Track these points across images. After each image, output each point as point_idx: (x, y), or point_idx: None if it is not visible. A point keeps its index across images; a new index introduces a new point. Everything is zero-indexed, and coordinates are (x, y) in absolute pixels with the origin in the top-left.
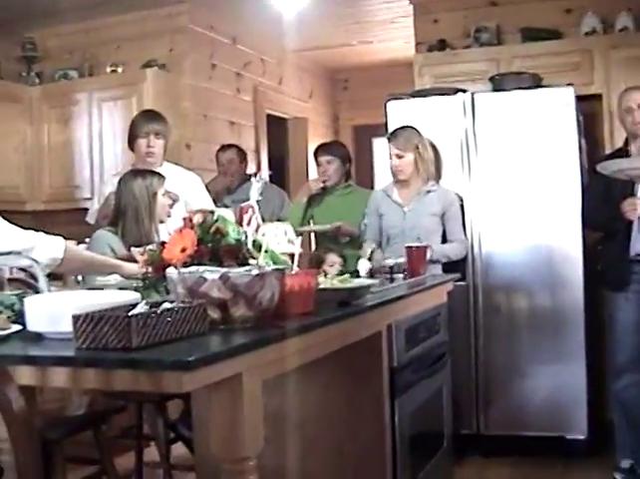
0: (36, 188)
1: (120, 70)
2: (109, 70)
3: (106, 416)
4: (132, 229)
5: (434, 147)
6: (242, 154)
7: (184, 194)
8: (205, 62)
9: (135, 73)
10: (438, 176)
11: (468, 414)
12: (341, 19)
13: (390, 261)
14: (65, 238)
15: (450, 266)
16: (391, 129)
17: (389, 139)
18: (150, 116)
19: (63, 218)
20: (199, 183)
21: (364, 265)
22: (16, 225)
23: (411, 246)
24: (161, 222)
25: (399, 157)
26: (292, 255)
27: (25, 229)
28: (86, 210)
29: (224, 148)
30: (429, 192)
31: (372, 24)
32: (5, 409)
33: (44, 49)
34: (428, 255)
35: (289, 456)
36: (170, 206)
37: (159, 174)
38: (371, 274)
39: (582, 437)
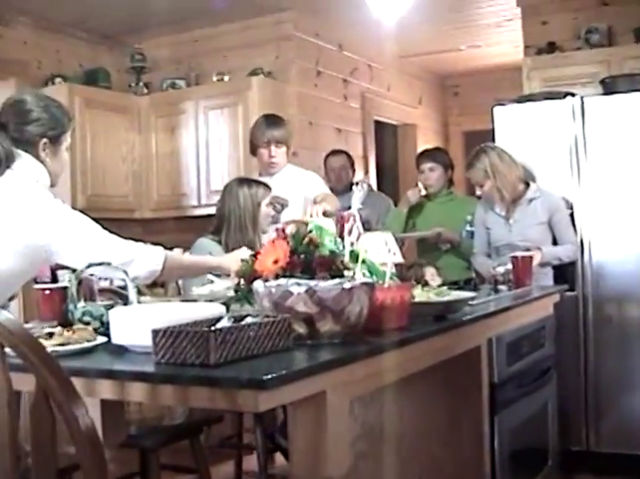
0: (144, 196)
1: (226, 78)
2: (215, 79)
3: (203, 426)
4: (234, 237)
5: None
6: (351, 160)
7: (307, 194)
8: (311, 69)
9: (241, 81)
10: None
11: (577, 430)
12: (448, 24)
13: (501, 269)
14: (168, 247)
15: (558, 276)
16: (499, 135)
17: (466, 169)
18: (270, 123)
19: (170, 225)
20: (321, 182)
21: None
22: (123, 234)
23: (516, 256)
24: (264, 232)
25: (480, 186)
26: (395, 265)
27: (133, 237)
28: (193, 217)
29: (335, 153)
30: (531, 200)
31: (480, 28)
32: (71, 426)
33: (152, 59)
34: (537, 259)
35: (385, 473)
36: (278, 211)
37: (264, 184)
38: (475, 286)
39: None
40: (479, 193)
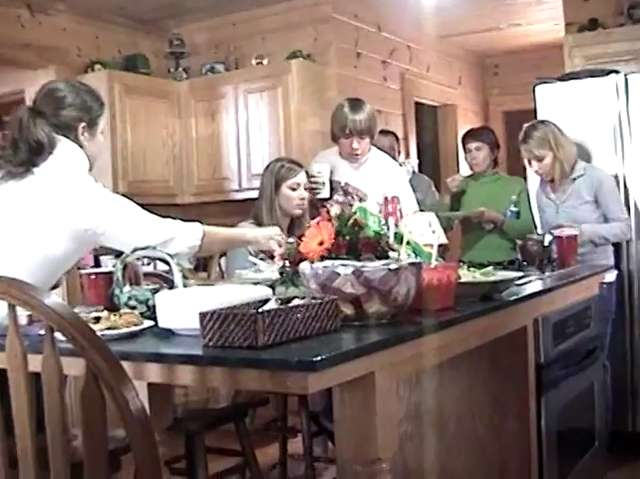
0: (185, 181)
1: (265, 62)
2: (254, 62)
3: (248, 409)
4: (264, 219)
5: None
6: (398, 141)
7: (383, 185)
8: (350, 51)
9: (280, 64)
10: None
11: (623, 412)
12: (488, 2)
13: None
14: None
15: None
16: (540, 114)
17: (521, 141)
18: (353, 112)
19: (212, 209)
20: (404, 180)
21: None
22: (167, 217)
23: (560, 236)
24: (293, 215)
25: (537, 159)
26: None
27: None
28: (234, 201)
29: (384, 132)
30: (575, 179)
31: (520, 6)
32: (122, 409)
33: (191, 44)
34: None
35: (430, 453)
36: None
37: (298, 163)
38: (519, 266)
39: None
40: (531, 170)
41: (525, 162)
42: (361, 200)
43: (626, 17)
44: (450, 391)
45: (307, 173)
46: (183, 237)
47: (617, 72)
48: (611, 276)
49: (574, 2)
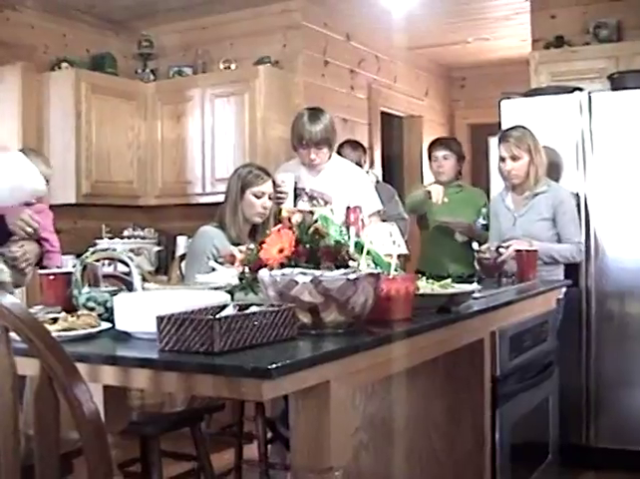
0: (149, 183)
1: (233, 67)
2: (222, 67)
3: (204, 414)
4: (227, 223)
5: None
6: (365, 154)
7: (347, 191)
8: (318, 59)
9: (247, 70)
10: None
11: (577, 425)
12: (456, 16)
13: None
14: (173, 235)
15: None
16: (505, 128)
17: (500, 139)
18: (311, 123)
19: (175, 212)
20: (367, 181)
21: None
22: (128, 220)
23: (521, 250)
24: (254, 223)
25: (513, 159)
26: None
27: (137, 224)
28: (197, 205)
29: (353, 146)
30: (536, 194)
31: (488, 21)
32: (75, 411)
33: (159, 46)
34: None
35: (385, 463)
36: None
37: (266, 172)
38: (478, 280)
39: None
40: (503, 169)
41: (498, 161)
42: (326, 203)
43: (592, 36)
44: (406, 402)
45: (274, 182)
46: None
47: (581, 89)
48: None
49: (542, 19)
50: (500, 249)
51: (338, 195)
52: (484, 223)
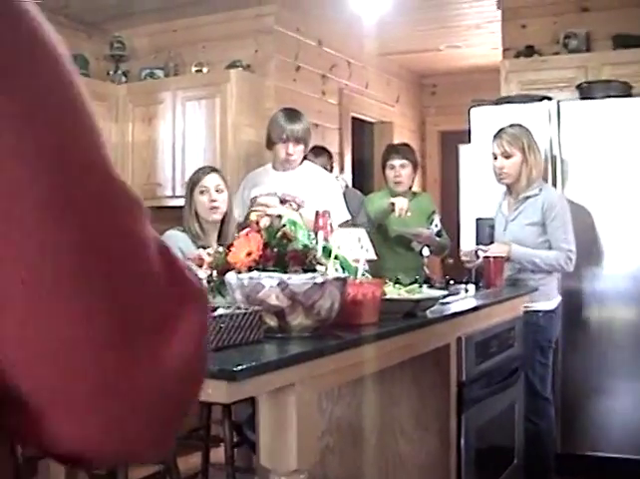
0: None
1: (205, 70)
2: (194, 70)
3: None
4: (190, 226)
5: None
6: (331, 159)
7: (317, 197)
8: (290, 64)
9: (219, 73)
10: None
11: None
12: (428, 23)
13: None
14: None
15: None
16: (474, 136)
17: (494, 137)
18: (290, 119)
19: None
20: (337, 189)
21: None
22: None
23: (488, 256)
24: (207, 221)
25: (505, 156)
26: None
27: None
28: (167, 208)
29: (318, 151)
30: (527, 197)
31: (460, 29)
32: None
33: (131, 48)
34: (498, 252)
35: (352, 466)
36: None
37: (210, 168)
38: (446, 284)
39: None
40: (495, 165)
41: (491, 158)
42: (299, 207)
43: (561, 46)
44: (372, 406)
45: (252, 200)
46: None
47: (550, 98)
48: (549, 305)
49: (512, 28)
50: (479, 253)
51: (309, 199)
52: (437, 228)
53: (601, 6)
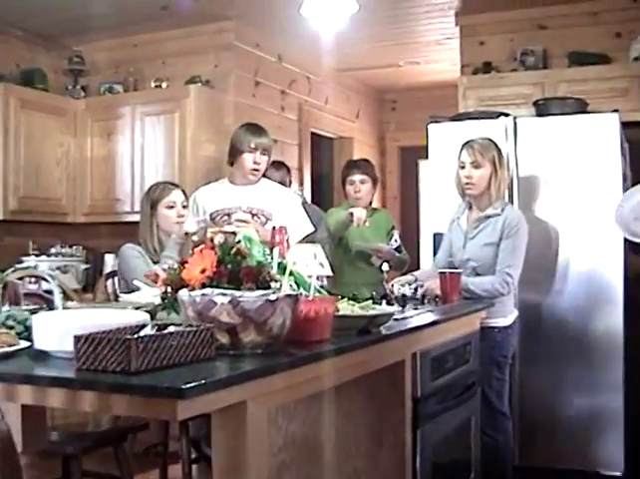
0: (78, 200)
1: (164, 85)
2: (153, 85)
3: (128, 433)
4: (147, 241)
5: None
6: (289, 173)
7: (279, 213)
8: (250, 79)
9: (178, 89)
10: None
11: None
12: (388, 39)
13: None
14: (101, 252)
15: None
16: (432, 152)
17: (463, 146)
18: (256, 131)
19: (103, 230)
20: (297, 203)
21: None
22: (57, 238)
23: (444, 272)
24: (169, 235)
25: (475, 166)
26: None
27: (66, 242)
28: (126, 223)
29: (276, 165)
30: (489, 217)
31: (419, 45)
32: None
33: (91, 63)
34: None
35: None
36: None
37: (173, 184)
38: (404, 302)
39: (619, 474)
40: (461, 174)
41: (457, 169)
42: (267, 220)
43: (519, 63)
44: (328, 422)
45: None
46: None
47: (507, 115)
48: (506, 321)
49: (471, 45)
50: (418, 289)
51: (273, 212)
52: (397, 244)
53: (558, 24)
